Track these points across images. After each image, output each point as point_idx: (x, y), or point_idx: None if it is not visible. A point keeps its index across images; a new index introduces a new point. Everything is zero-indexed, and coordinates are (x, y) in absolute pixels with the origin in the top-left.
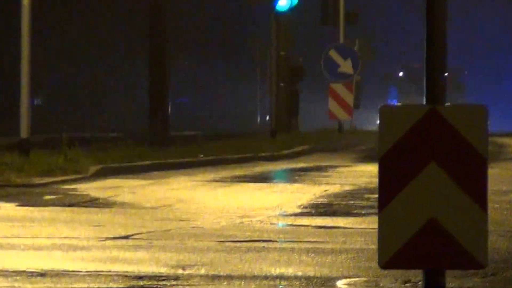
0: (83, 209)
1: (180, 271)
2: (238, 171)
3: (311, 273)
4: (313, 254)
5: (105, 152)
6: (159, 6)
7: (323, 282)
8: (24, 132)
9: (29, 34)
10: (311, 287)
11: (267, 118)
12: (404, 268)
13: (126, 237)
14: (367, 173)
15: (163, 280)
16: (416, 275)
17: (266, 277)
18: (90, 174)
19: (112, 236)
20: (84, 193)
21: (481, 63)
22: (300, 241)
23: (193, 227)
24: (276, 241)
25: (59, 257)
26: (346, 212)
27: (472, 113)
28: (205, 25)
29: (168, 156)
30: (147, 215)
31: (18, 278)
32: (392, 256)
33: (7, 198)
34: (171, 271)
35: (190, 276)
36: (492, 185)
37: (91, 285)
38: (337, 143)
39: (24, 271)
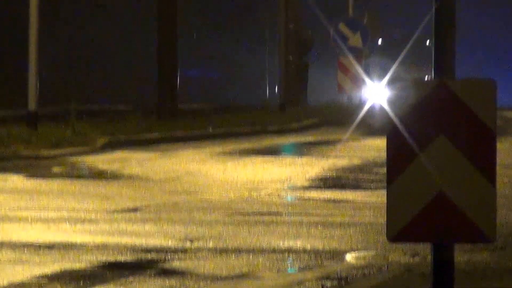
0: (91, 181)
1: (188, 244)
2: (247, 144)
3: (320, 247)
4: (321, 228)
5: (113, 125)
6: None
7: (331, 255)
8: (31, 105)
9: (36, 3)
10: (319, 260)
11: (276, 91)
12: (413, 241)
13: (134, 210)
14: (375, 146)
15: (171, 253)
16: (425, 249)
17: (274, 251)
18: (98, 146)
19: (120, 208)
20: (92, 165)
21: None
22: (309, 214)
23: (201, 200)
24: (285, 214)
25: (67, 230)
26: (355, 186)
27: (481, 87)
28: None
29: (177, 129)
30: (155, 188)
31: (25, 250)
32: (400, 230)
33: (15, 170)
34: (179, 244)
35: (198, 249)
36: (501, 159)
37: (99, 257)
38: (346, 116)
39: (31, 244)
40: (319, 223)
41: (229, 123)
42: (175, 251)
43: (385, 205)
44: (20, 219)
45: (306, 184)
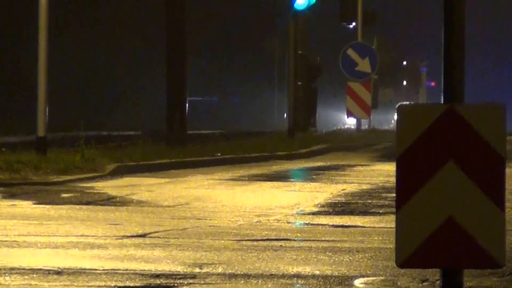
0: (100, 207)
1: (197, 270)
2: (256, 170)
3: (329, 272)
4: (330, 253)
5: (122, 151)
6: (178, 4)
7: (340, 281)
8: (41, 131)
9: (46, 31)
10: (328, 286)
11: (285, 116)
12: (422, 267)
13: (143, 236)
14: (384, 172)
15: (180, 278)
16: (434, 274)
17: (283, 276)
18: (107, 172)
19: (129, 234)
20: (101, 191)
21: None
22: (318, 240)
23: (210, 225)
24: (294, 240)
25: (76, 255)
26: (364, 211)
27: (490, 111)
28: (223, 24)
29: (186, 155)
30: (164, 214)
31: (35, 276)
32: (409, 255)
33: (24, 196)
34: (188, 270)
35: (207, 275)
36: (510, 184)
37: (108, 283)
38: (354, 142)
39: (41, 269)
40: (328, 248)
41: (238, 148)
42: (184, 276)
43: (394, 230)
44: (29, 245)
45: (314, 209)
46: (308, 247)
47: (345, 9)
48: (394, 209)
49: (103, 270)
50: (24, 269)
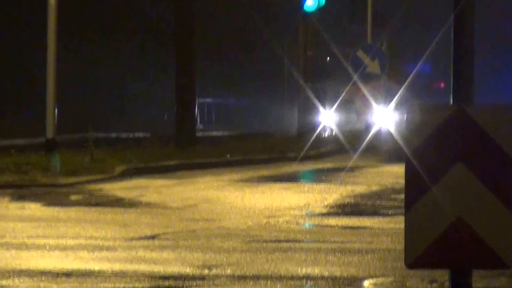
0: (109, 209)
1: (206, 271)
2: (265, 171)
3: (338, 273)
4: (339, 254)
5: (131, 152)
6: (187, 6)
7: (349, 282)
8: (50, 133)
9: (55, 34)
10: (337, 287)
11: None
12: (431, 268)
13: (152, 237)
14: (393, 173)
15: (189, 280)
16: (443, 275)
17: (292, 277)
18: (116, 174)
19: (138, 236)
20: (110, 193)
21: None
22: (327, 241)
23: (219, 227)
24: (303, 241)
25: (85, 257)
26: (373, 212)
27: (500, 113)
28: (232, 25)
29: (195, 156)
30: (173, 215)
31: (43, 278)
32: (418, 256)
33: (33, 198)
34: (197, 271)
35: (216, 276)
36: None
37: (117, 285)
38: (363, 143)
39: (50, 271)
40: (337, 249)
41: (247, 150)
42: (193, 278)
43: (403, 231)
44: (38, 247)
45: (324, 210)
46: (317, 248)
47: (355, 10)
48: (403, 210)
49: (112, 272)
50: (33, 271)
